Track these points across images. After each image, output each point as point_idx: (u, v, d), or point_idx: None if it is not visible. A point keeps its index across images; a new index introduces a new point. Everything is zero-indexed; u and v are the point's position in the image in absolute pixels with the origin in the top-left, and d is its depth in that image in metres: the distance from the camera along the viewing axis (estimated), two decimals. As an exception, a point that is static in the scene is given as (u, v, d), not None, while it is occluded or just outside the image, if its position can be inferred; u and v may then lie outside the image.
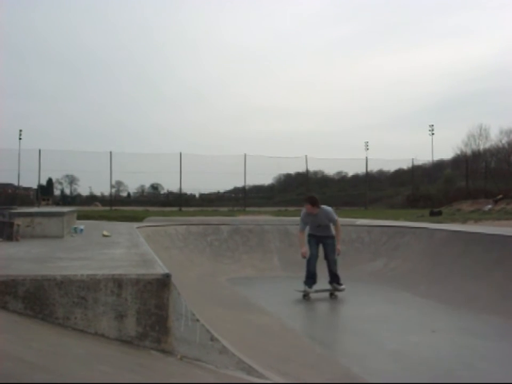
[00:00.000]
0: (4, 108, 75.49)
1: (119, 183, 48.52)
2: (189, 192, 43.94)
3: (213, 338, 3.40)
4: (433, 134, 50.02)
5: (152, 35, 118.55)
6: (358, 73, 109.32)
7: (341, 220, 14.67)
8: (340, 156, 74.43)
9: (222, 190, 51.88)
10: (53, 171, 44.29)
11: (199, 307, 4.54)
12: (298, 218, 8.82)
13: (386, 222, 14.26)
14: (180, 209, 30.33)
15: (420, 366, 4.70)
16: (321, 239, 8.43)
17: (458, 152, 47.98)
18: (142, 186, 54.75)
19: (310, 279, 8.13)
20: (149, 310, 3.28)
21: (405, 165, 44.50)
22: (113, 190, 42.06)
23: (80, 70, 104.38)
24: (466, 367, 4.65)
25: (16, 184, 39.12)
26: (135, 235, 7.99)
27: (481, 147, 46.23)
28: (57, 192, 54.10)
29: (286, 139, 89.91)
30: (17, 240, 6.10)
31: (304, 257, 8.25)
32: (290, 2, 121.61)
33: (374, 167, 47.72)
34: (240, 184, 39.26)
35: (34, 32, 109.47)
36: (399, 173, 49.31)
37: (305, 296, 8.04)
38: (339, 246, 8.44)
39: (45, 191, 44.75)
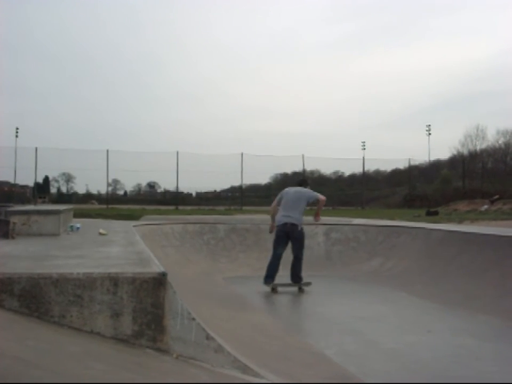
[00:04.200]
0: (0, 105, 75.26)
1: (115, 181, 48.58)
2: (185, 191, 43.96)
3: (208, 337, 3.40)
4: (430, 134, 50.18)
5: (145, 35, 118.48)
6: (355, 73, 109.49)
7: (338, 220, 14.74)
8: (337, 156, 74.60)
9: (218, 189, 52.00)
10: (50, 169, 44.13)
11: (195, 306, 4.53)
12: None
13: (383, 221, 14.29)
14: (177, 208, 30.29)
15: (416, 366, 4.70)
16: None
17: (455, 153, 48.31)
18: (139, 184, 54.80)
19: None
20: (145, 308, 3.27)
21: (402, 165, 44.57)
22: (110, 188, 42.12)
23: (75, 70, 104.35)
24: (463, 367, 4.65)
25: (12, 182, 39.05)
26: (132, 233, 7.97)
27: (478, 147, 46.56)
28: (53, 190, 54.06)
29: (283, 138, 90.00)
30: (13, 238, 6.07)
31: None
32: (287, 2, 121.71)
33: (370, 167, 47.91)
34: (237, 183, 39.30)
35: (30, 31, 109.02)
36: (396, 172, 49.41)
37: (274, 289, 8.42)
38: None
39: (42, 189, 44.66)
